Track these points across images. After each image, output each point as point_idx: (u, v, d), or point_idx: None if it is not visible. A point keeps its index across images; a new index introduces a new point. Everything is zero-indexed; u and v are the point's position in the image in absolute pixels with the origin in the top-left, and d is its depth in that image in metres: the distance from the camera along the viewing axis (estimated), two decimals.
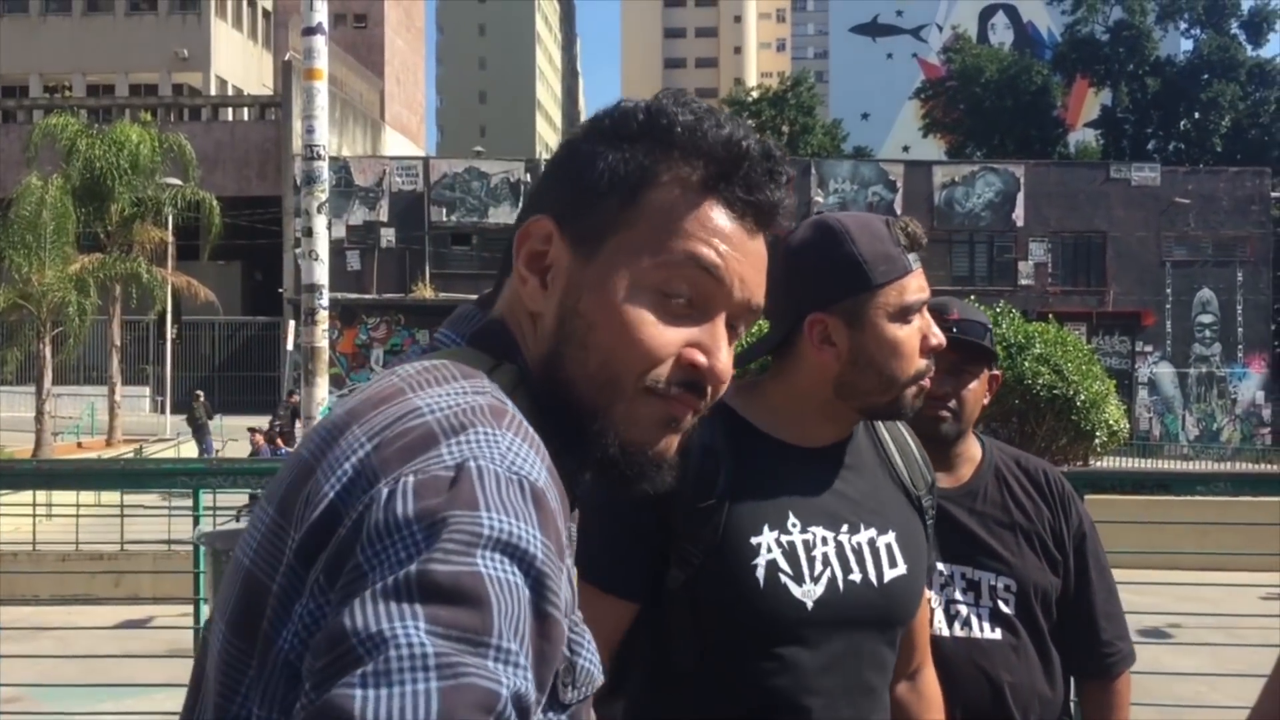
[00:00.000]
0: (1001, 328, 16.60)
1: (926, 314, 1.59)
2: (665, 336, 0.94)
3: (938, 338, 1.58)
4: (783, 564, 1.53)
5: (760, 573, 1.51)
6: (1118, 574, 2.34)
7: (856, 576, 1.58)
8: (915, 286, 1.57)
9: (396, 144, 45.66)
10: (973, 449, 2.27)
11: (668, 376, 0.95)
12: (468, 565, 0.74)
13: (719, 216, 0.97)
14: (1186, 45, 51.19)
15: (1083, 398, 16.52)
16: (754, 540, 1.52)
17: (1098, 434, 17.07)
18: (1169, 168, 38.03)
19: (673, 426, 0.97)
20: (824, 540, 1.57)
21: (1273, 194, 37.73)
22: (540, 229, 0.98)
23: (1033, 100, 48.63)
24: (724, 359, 0.97)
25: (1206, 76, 46.63)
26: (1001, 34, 65.88)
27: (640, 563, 1.50)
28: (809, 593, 1.53)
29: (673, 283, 0.95)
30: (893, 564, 1.62)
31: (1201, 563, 11.11)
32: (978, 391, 2.21)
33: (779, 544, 1.54)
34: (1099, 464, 17.77)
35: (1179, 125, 47.90)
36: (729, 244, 0.97)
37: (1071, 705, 2.30)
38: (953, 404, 2.16)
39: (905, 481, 1.72)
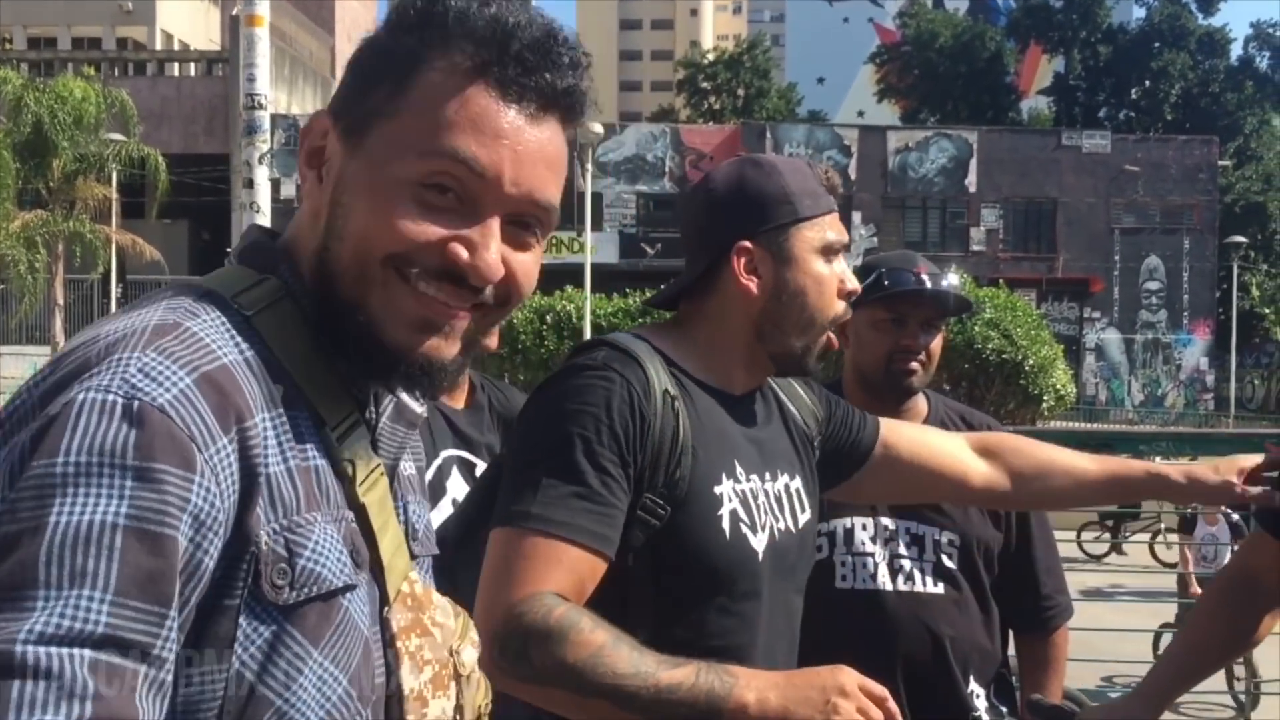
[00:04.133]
0: None
1: (843, 260, 1.58)
2: (420, 226, 0.89)
3: (853, 284, 1.58)
4: (741, 514, 1.50)
5: (725, 523, 1.48)
6: (1065, 535, 2.37)
7: (782, 524, 1.57)
8: (837, 229, 1.58)
9: None
10: (919, 404, 2.29)
11: (422, 265, 0.90)
12: (31, 520, 0.73)
13: (488, 102, 0.91)
14: (1139, 13, 51.58)
15: (1031, 362, 16.74)
16: (717, 490, 1.49)
17: (1045, 398, 17.32)
18: (1119, 135, 38.39)
19: (435, 329, 0.92)
20: (763, 490, 1.56)
21: (1220, 162, 38.23)
22: (318, 124, 0.95)
23: (986, 66, 48.80)
24: (491, 256, 0.91)
25: (1157, 45, 47.00)
26: None
27: (617, 517, 1.41)
28: (760, 542, 1.51)
29: (435, 176, 0.89)
30: (803, 509, 1.63)
31: (1145, 524, 11.33)
32: (940, 344, 2.24)
33: (736, 493, 1.51)
34: (1045, 426, 18.00)
35: (1130, 93, 48.30)
36: (500, 134, 0.90)
37: (1010, 658, 2.32)
38: (922, 356, 2.19)
39: (799, 425, 1.72)
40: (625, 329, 1.68)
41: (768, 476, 1.58)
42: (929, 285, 2.18)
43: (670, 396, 1.48)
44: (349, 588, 0.89)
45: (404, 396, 0.99)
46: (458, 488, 2.41)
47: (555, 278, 23.56)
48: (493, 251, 0.91)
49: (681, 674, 1.29)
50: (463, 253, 0.90)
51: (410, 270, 0.90)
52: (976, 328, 16.36)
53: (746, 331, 1.56)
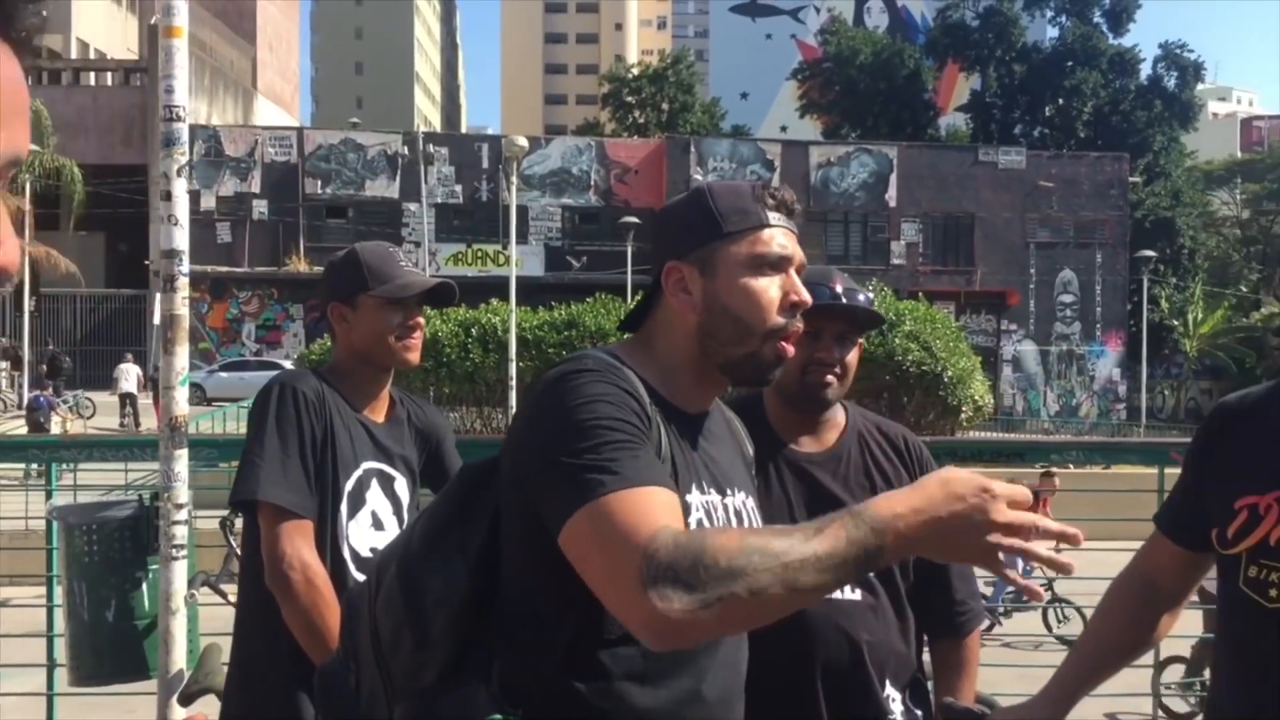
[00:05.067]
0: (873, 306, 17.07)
1: (793, 275, 1.60)
2: None
3: (800, 295, 1.59)
4: (706, 525, 1.54)
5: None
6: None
7: None
8: (775, 242, 1.59)
9: (269, 114, 44.44)
10: (838, 415, 2.34)
11: None
12: None
13: (18, 72, 0.73)
14: (1053, 33, 52.80)
15: (950, 374, 17.04)
16: (688, 499, 1.52)
17: (964, 409, 17.63)
18: (1034, 152, 39.31)
19: None
20: (720, 504, 1.61)
21: (1131, 179, 39.30)
22: None
23: (905, 83, 49.65)
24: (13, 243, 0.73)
25: (1070, 64, 48.19)
26: (876, 18, 67.09)
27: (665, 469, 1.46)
28: None
29: None
30: (758, 524, 1.67)
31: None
32: (856, 357, 2.29)
33: (702, 505, 1.55)
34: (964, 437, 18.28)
35: (1044, 111, 49.43)
36: (28, 104, 0.74)
37: (925, 663, 2.38)
38: (838, 369, 2.23)
39: (743, 449, 1.78)
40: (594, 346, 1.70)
41: (728, 492, 1.63)
42: (844, 300, 2.23)
43: (653, 407, 1.52)
44: None
45: None
46: (377, 500, 2.41)
47: (480, 291, 23.41)
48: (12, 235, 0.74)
49: (831, 540, 1.28)
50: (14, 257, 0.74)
51: None
52: (897, 340, 16.62)
53: (691, 347, 1.60)
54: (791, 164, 36.38)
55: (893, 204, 36.76)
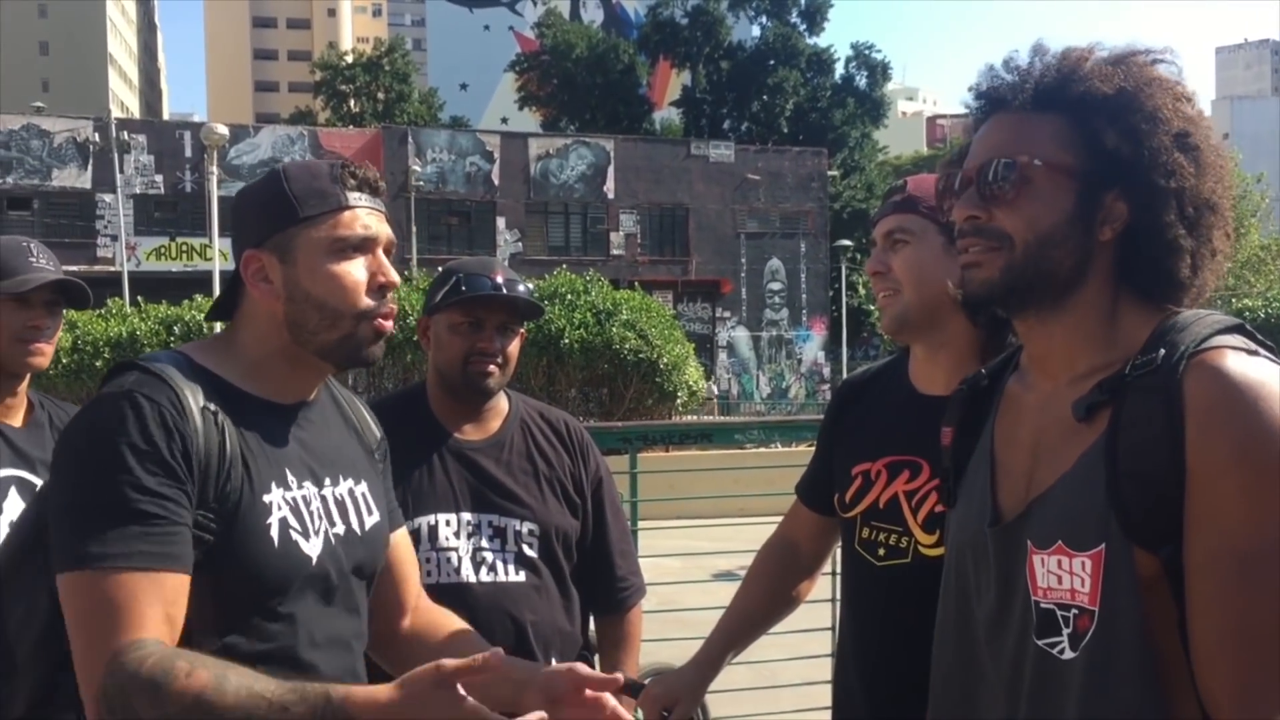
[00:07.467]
0: (591, 295, 17.33)
1: (380, 255, 1.59)
2: None
3: (389, 276, 1.58)
4: (292, 521, 1.52)
5: (274, 532, 1.49)
6: (695, 521, 2.52)
7: (341, 528, 1.61)
8: (357, 224, 1.57)
9: None
10: (501, 403, 2.39)
11: None
12: None
13: None
14: (756, 32, 55.14)
15: (665, 361, 17.55)
16: (266, 499, 1.50)
17: (679, 394, 18.20)
18: (742, 146, 40.97)
19: None
20: (316, 495, 1.59)
21: (829, 172, 41.66)
22: None
23: (620, 78, 50.66)
24: None
25: (772, 62, 50.55)
26: (593, 12, 68.00)
27: (182, 533, 1.40)
28: (313, 547, 1.54)
29: None
30: (370, 512, 1.68)
31: (772, 507, 12.18)
32: (518, 347, 2.34)
33: (286, 501, 1.53)
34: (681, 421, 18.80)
35: (750, 107, 51.61)
36: None
37: (591, 639, 2.47)
38: (499, 359, 2.28)
39: (363, 436, 1.77)
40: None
41: (327, 482, 1.61)
42: (505, 291, 2.27)
43: (211, 411, 1.48)
44: None
45: None
46: (15, 508, 2.28)
47: (184, 286, 22.19)
48: None
49: (290, 699, 1.26)
50: None
51: None
52: (614, 329, 16.97)
53: (280, 336, 1.57)
54: (511, 156, 36.43)
55: (611, 196, 37.46)
